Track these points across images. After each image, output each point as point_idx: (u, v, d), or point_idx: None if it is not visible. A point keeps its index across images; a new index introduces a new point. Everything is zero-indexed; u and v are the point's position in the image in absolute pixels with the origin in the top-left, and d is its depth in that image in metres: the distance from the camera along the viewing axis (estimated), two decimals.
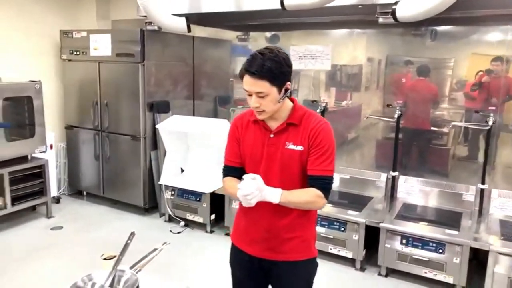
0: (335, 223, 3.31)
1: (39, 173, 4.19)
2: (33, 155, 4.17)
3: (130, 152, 4.39)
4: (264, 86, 1.47)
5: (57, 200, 4.67)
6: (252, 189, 1.42)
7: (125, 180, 4.43)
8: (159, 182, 4.23)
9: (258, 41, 4.62)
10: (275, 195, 1.49)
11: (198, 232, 4.03)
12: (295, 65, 4.16)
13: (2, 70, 4.14)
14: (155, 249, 1.48)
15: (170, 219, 4.21)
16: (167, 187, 4.17)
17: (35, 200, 4.18)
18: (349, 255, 3.27)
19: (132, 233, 1.47)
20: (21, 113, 4.09)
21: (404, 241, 3.03)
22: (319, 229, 3.33)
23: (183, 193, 4.09)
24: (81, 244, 3.69)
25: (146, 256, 1.44)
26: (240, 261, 1.75)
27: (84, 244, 3.69)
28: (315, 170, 1.56)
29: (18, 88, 4.01)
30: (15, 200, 3.95)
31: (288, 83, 1.54)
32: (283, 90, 1.53)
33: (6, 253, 3.47)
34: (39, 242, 3.72)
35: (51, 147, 4.54)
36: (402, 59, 3.81)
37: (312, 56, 4.16)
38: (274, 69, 1.46)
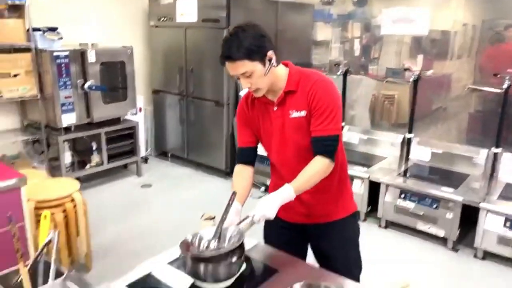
0: (426, 199, 3.14)
1: (130, 134, 4.47)
2: (125, 117, 4.44)
3: (213, 117, 4.49)
4: (244, 65, 1.39)
5: (145, 160, 4.97)
6: (265, 210, 1.40)
7: (208, 144, 4.57)
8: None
9: (346, 3, 4.37)
10: (288, 195, 1.43)
11: None
12: (387, 30, 3.90)
13: (98, 36, 4.38)
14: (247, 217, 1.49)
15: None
16: None
17: (127, 159, 4.49)
18: (441, 233, 3.11)
19: (234, 193, 1.46)
20: (115, 78, 4.33)
21: (508, 224, 2.79)
22: (407, 204, 3.20)
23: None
24: (170, 202, 3.92)
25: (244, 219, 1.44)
26: (276, 229, 1.70)
27: (173, 202, 3.91)
28: (316, 131, 1.48)
29: (113, 53, 4.23)
30: (110, 158, 4.27)
31: (269, 52, 1.43)
32: (266, 62, 1.43)
33: (103, 205, 3.79)
34: (132, 198, 4.01)
35: (140, 110, 4.79)
36: (503, 24, 3.38)
37: (407, 20, 3.84)
38: (248, 45, 1.38)
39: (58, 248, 1.11)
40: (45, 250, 1.12)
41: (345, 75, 4.06)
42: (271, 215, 1.38)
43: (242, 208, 1.52)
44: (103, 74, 4.06)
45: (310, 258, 1.76)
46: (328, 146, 1.48)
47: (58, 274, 1.07)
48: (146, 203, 3.91)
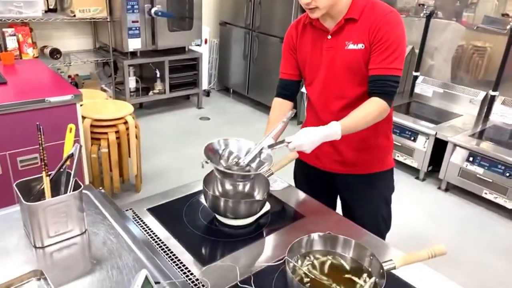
0: (499, 166, 2.80)
1: (193, 65, 4.46)
2: (190, 47, 4.41)
3: (277, 55, 4.28)
4: None
5: (207, 93, 5.00)
6: (304, 140, 1.21)
7: (269, 83, 4.43)
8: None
9: None
10: (334, 132, 1.23)
11: None
12: None
13: None
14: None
15: None
16: None
17: (188, 90, 4.53)
18: (510, 205, 2.79)
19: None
20: (181, 5, 4.25)
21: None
22: (476, 168, 2.90)
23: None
24: (224, 136, 3.93)
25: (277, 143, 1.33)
26: (307, 176, 1.60)
27: (229, 136, 3.92)
28: (376, 69, 1.29)
29: None
30: (172, 87, 4.34)
31: None
32: None
33: (161, 132, 3.92)
34: (188, 128, 4.10)
35: (205, 41, 4.73)
36: None
37: None
38: None
39: (78, 162, 1.11)
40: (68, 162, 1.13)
41: (428, 17, 3.59)
42: (309, 148, 1.21)
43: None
44: (170, 0, 4.00)
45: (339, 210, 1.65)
46: (389, 87, 1.29)
47: (78, 187, 1.08)
48: (201, 135, 3.97)
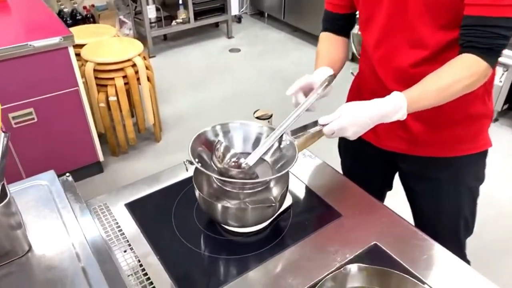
0: None
1: None
2: None
3: None
4: None
5: (238, 19, 4.43)
6: (348, 122, 0.79)
7: (310, 5, 3.78)
8: None
9: None
10: (394, 108, 0.78)
11: None
12: None
13: None
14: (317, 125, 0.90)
15: (353, 59, 3.56)
16: None
17: (216, 17, 3.99)
18: None
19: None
20: None
21: None
22: None
23: None
24: (258, 71, 3.47)
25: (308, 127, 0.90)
26: (356, 153, 1.18)
27: (261, 71, 3.45)
28: (475, 6, 0.77)
29: None
30: (197, 14, 3.82)
31: None
32: None
33: (188, 67, 3.51)
34: (217, 62, 3.64)
35: None
36: None
37: None
38: None
39: (3, 159, 0.76)
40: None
41: None
42: (354, 133, 0.81)
43: (329, 84, 0.93)
44: None
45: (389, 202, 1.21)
46: (495, 37, 0.78)
47: (3, 196, 0.75)
48: (231, 70, 3.52)
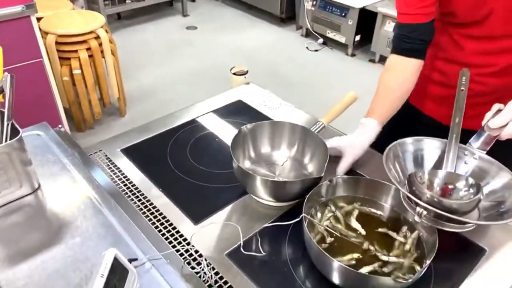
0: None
1: None
2: None
3: None
4: None
5: None
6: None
7: None
8: None
9: None
10: None
11: (337, 53, 3.52)
12: None
13: None
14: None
15: (307, 34, 3.72)
16: None
17: None
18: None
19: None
20: None
21: None
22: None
23: (326, 5, 3.43)
24: (215, 47, 3.53)
25: None
26: (411, 125, 1.06)
27: (218, 48, 3.52)
28: None
29: None
30: None
31: None
32: None
33: (143, 46, 3.50)
34: (174, 40, 3.66)
35: None
36: None
37: None
38: None
39: (11, 98, 0.81)
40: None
41: None
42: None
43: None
44: None
45: None
46: None
47: (16, 133, 0.79)
48: (189, 46, 3.55)
